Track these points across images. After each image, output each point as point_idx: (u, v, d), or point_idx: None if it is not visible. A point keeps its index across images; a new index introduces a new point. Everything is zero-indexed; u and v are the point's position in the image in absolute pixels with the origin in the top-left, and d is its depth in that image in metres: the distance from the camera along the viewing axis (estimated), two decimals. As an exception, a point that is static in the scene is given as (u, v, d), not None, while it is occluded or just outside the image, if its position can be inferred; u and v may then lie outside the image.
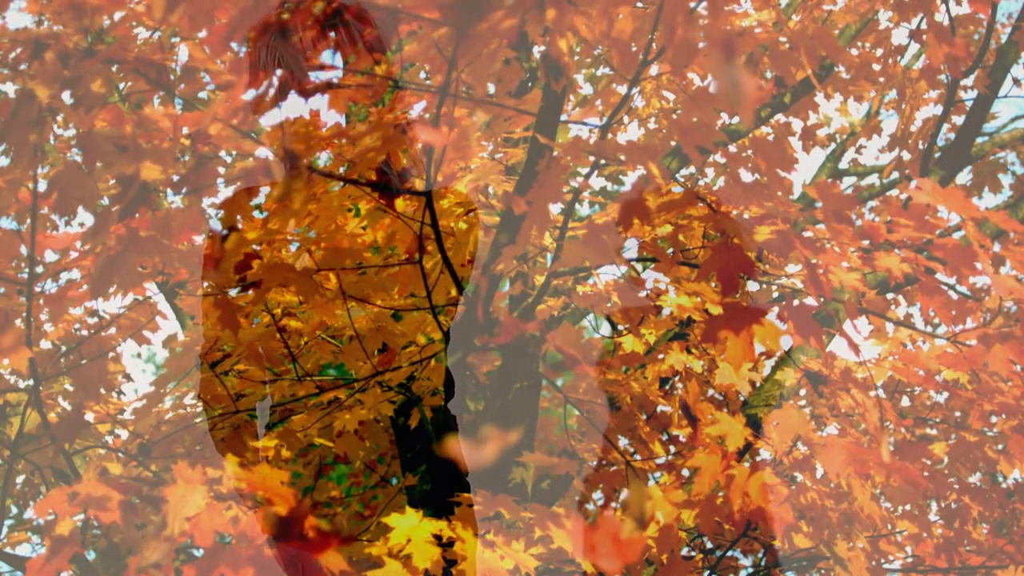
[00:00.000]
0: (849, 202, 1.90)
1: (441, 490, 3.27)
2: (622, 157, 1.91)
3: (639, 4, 3.17)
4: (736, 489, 2.28)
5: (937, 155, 4.05)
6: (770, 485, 2.31)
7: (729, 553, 3.29)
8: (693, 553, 3.35)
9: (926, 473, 2.95)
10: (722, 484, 2.29)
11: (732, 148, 4.68)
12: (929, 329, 4.63)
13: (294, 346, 2.99)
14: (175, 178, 1.97)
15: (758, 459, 3.12)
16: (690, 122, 2.01)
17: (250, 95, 1.60)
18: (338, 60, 1.77)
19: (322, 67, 1.79)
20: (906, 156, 4.52)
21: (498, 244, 2.44)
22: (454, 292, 2.90)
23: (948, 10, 3.17)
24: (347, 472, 3.91)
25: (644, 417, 3.14)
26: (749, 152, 4.75)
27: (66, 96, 1.76)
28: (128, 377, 3.28)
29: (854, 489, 2.52)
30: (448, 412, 3.26)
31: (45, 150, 3.92)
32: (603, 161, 2.08)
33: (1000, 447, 3.32)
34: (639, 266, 4.60)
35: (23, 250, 2.77)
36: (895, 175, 4.72)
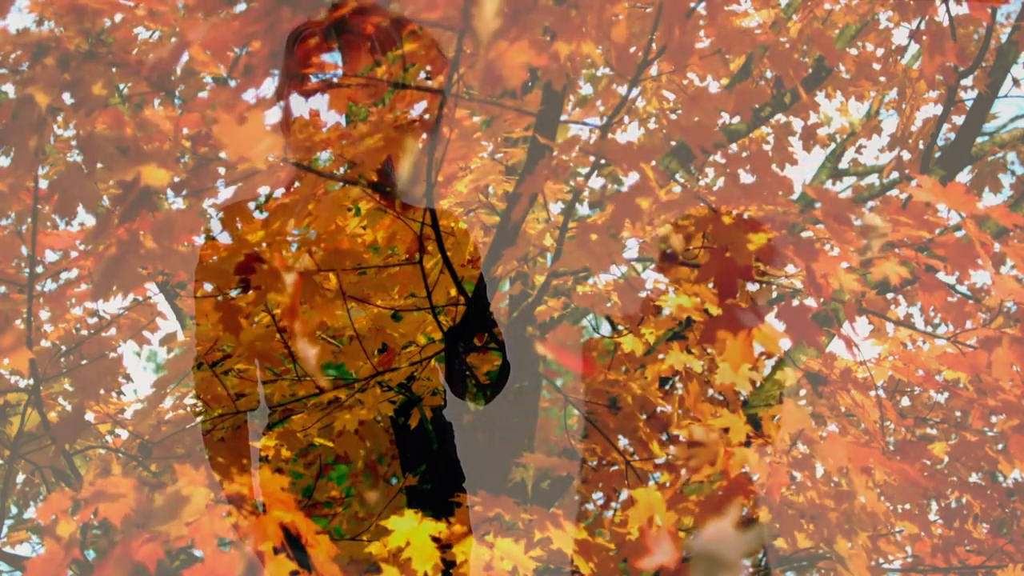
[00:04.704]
0: (847, 206, 1.90)
1: (440, 490, 3.27)
2: (603, 160, 1.91)
3: (638, 4, 3.17)
4: (736, 465, 2.29)
5: (937, 155, 4.05)
6: (773, 465, 2.32)
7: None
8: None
9: (925, 473, 2.95)
10: (724, 463, 2.29)
11: (732, 147, 4.68)
12: (929, 329, 4.63)
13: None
14: (176, 180, 1.98)
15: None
16: (690, 122, 2.01)
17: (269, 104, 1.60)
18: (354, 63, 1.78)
19: (326, 68, 1.79)
20: (906, 156, 4.52)
21: (496, 246, 2.45)
22: (454, 292, 2.90)
23: (948, 10, 3.16)
24: (347, 472, 3.91)
25: (644, 417, 3.14)
26: (747, 152, 4.75)
27: (66, 97, 1.76)
28: (128, 377, 3.29)
29: (854, 483, 2.52)
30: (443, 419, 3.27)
31: (46, 151, 3.92)
32: (603, 161, 2.08)
33: (1000, 447, 3.33)
34: (639, 266, 4.60)
35: (23, 250, 2.77)
36: (895, 175, 4.72)
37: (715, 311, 2.48)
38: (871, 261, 1.88)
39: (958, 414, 3.70)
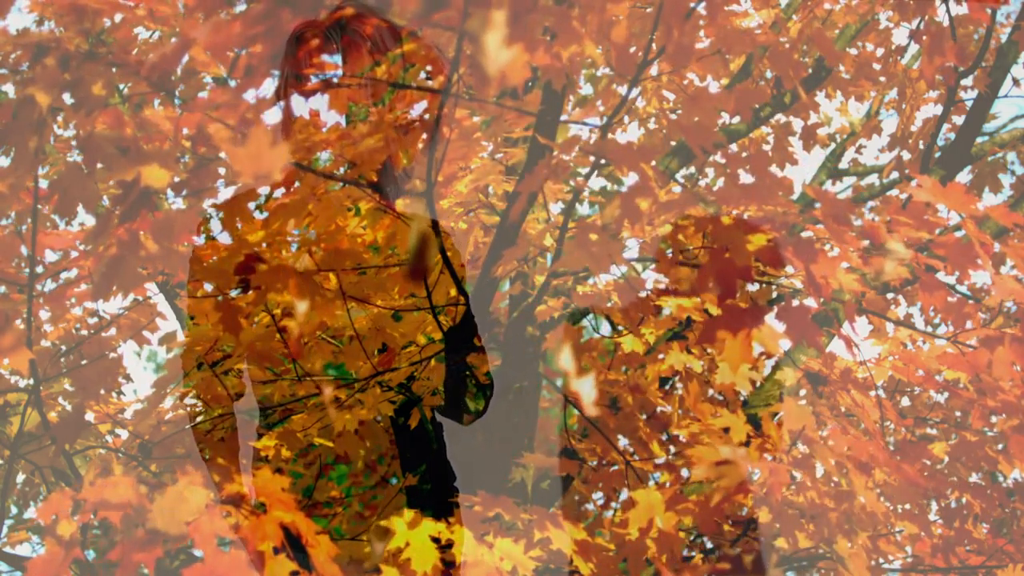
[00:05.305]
0: (846, 207, 1.90)
1: (440, 490, 3.27)
2: (603, 160, 1.91)
3: (638, 4, 3.17)
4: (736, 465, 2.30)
5: (937, 155, 4.05)
6: (773, 465, 2.32)
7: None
8: (693, 554, 3.35)
9: (925, 473, 2.95)
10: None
11: (732, 147, 4.68)
12: (929, 329, 4.63)
13: (294, 346, 2.98)
14: (176, 180, 1.98)
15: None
16: (690, 122, 2.01)
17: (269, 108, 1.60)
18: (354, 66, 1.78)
19: (326, 68, 1.80)
20: (906, 156, 4.52)
21: (496, 246, 2.45)
22: (454, 292, 2.90)
23: (948, 10, 3.16)
24: (347, 472, 3.91)
25: (644, 417, 3.14)
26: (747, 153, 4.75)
27: (66, 97, 1.77)
28: (128, 377, 3.29)
29: (854, 484, 2.52)
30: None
31: (46, 151, 3.92)
32: (603, 161, 2.09)
33: (1000, 447, 3.33)
34: (639, 266, 4.60)
35: (23, 250, 2.77)
36: (895, 175, 4.72)
37: (715, 311, 2.48)
38: (871, 261, 1.89)
39: (958, 414, 3.70)
